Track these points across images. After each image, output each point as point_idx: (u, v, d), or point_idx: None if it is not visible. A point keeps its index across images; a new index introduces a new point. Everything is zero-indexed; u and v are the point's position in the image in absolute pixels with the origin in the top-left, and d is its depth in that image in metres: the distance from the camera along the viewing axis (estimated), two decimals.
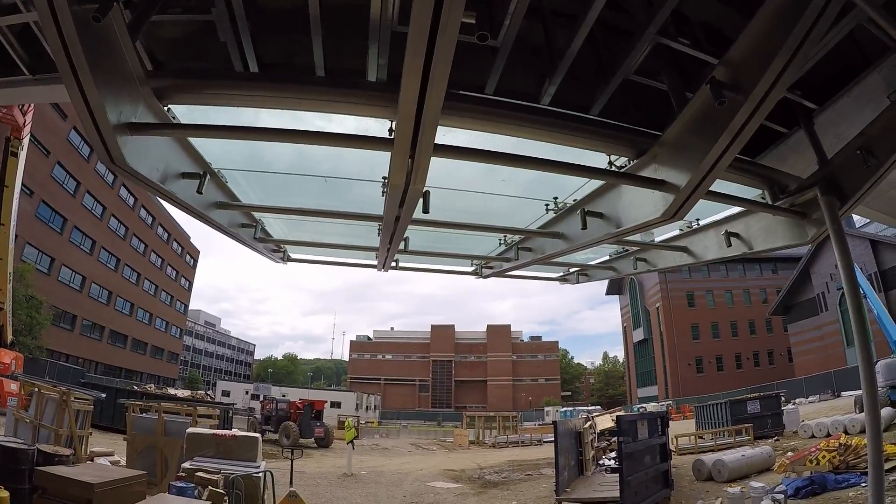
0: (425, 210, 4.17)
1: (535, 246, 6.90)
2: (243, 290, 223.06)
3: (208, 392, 50.94)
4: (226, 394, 59.91)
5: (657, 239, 7.00)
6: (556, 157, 4.16)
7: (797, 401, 33.70)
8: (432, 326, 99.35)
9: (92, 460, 11.48)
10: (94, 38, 2.74)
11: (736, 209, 5.78)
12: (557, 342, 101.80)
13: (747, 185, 5.28)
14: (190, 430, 9.95)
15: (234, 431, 10.40)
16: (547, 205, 5.95)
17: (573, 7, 3.65)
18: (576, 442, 14.98)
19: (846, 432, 17.39)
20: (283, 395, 41.06)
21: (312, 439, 28.74)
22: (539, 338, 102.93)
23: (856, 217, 63.02)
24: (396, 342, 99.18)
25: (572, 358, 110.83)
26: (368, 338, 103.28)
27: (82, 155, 43.02)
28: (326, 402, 36.59)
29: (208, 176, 4.28)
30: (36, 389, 12.02)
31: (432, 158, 3.37)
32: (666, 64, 4.02)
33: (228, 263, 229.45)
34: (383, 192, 4.97)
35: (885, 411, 18.70)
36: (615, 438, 19.73)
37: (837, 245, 4.55)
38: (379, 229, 6.46)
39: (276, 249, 8.22)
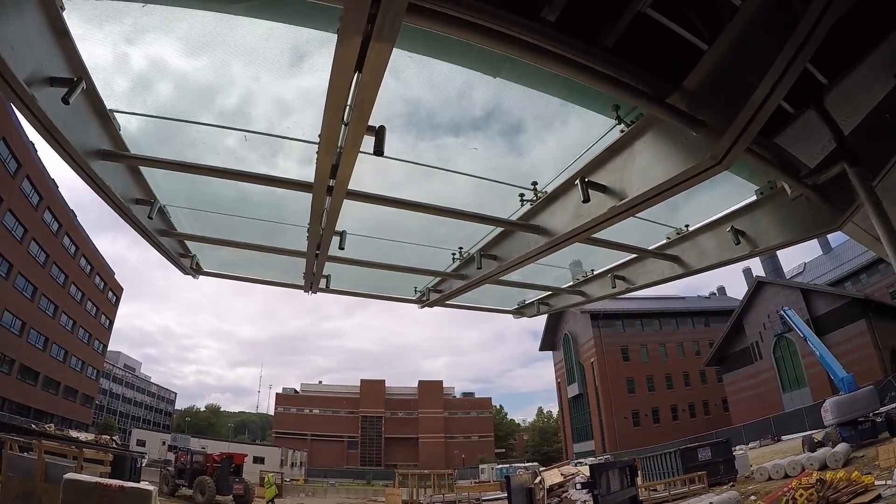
0: (378, 150, 2.96)
1: (503, 253, 5.77)
2: (171, 337, 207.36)
3: (114, 437, 46.08)
4: (141, 443, 56.10)
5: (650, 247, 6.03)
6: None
7: (738, 447, 33.97)
8: (362, 381, 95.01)
9: None
10: None
11: (737, 206, 5.02)
12: (490, 399, 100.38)
13: (757, 172, 4.55)
14: (68, 475, 8.06)
15: (125, 482, 8.51)
16: (522, 195, 4.87)
17: None
18: (527, 498, 13.72)
19: (804, 470, 17.29)
20: (203, 448, 37.65)
21: (231, 496, 26.28)
22: (472, 394, 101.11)
23: (786, 268, 66.40)
24: (325, 396, 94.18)
25: (506, 415, 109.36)
26: (296, 391, 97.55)
27: (9, 170, 39.32)
28: (247, 455, 33.65)
29: (84, 84, 2.95)
30: None
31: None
32: None
33: (157, 308, 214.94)
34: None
35: (840, 447, 18.83)
36: (565, 494, 18.71)
37: (878, 218, 3.82)
38: (307, 231, 5.11)
39: (184, 254, 6.70)
